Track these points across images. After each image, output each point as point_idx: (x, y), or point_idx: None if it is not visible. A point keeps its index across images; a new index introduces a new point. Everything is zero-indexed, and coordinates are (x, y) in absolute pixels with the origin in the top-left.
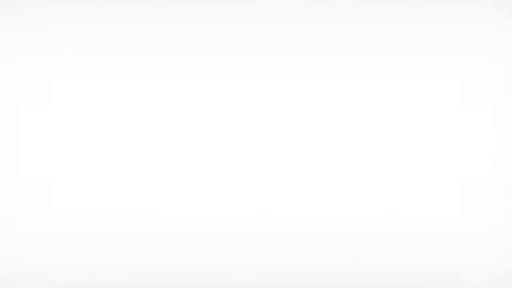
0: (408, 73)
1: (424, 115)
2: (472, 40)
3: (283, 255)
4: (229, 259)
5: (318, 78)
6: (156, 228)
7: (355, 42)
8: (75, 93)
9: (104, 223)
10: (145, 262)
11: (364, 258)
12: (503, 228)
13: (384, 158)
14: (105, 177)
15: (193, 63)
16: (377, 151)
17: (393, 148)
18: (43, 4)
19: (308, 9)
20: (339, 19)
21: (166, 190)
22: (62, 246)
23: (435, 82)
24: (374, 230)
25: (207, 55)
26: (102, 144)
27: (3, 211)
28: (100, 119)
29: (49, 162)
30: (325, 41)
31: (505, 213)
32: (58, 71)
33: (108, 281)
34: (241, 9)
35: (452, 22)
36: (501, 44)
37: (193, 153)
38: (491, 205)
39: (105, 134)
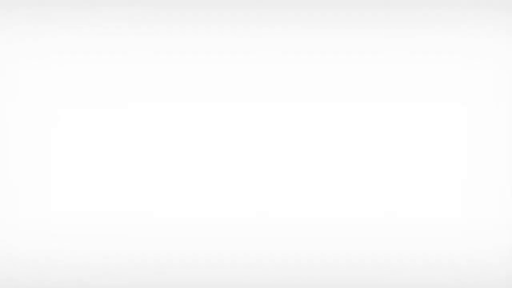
0: (409, 74)
1: (424, 117)
2: (472, 53)
3: (282, 254)
4: (229, 259)
5: (320, 104)
6: (156, 228)
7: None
8: (75, 94)
9: (104, 223)
10: (144, 260)
11: (365, 258)
12: (503, 228)
13: (384, 160)
14: (105, 177)
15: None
16: (377, 152)
17: (392, 149)
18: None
19: (301, 41)
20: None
21: (166, 190)
22: (61, 245)
23: (435, 84)
24: (374, 230)
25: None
26: (102, 144)
27: (3, 211)
28: (100, 120)
29: (49, 161)
30: (323, 66)
31: (505, 214)
32: (59, 74)
33: (108, 280)
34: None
35: (452, 34)
36: (500, 54)
37: (193, 155)
38: (491, 205)
39: (105, 134)
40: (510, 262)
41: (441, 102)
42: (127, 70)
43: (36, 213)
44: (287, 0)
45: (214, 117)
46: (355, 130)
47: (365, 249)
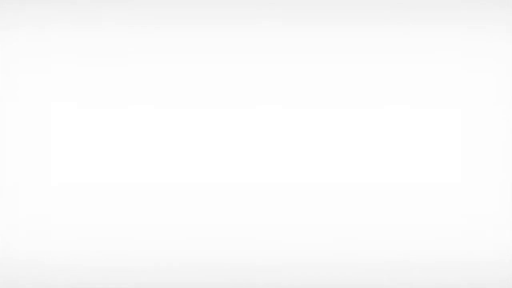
0: (408, 75)
1: (423, 118)
2: (473, 53)
3: (282, 252)
4: (229, 258)
5: (315, 109)
6: (156, 231)
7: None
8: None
9: (103, 223)
10: (145, 258)
11: (365, 257)
12: (503, 228)
13: (383, 167)
14: (105, 178)
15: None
16: (375, 156)
17: (391, 151)
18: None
19: (299, 47)
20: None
21: (165, 188)
22: (60, 246)
23: (435, 85)
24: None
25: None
26: (102, 144)
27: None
28: (100, 119)
29: (49, 161)
30: (321, 72)
31: (505, 215)
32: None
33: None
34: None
35: (452, 34)
36: (501, 59)
37: (192, 154)
38: (491, 206)
39: (105, 133)
40: (510, 262)
41: (441, 102)
42: (127, 70)
43: (35, 210)
44: (287, 0)
45: (213, 118)
46: (354, 132)
47: (366, 248)
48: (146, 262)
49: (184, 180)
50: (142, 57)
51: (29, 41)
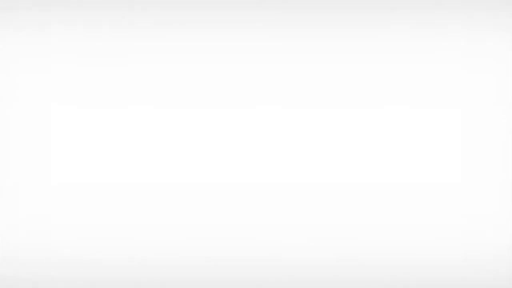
0: (408, 77)
1: (422, 118)
2: (473, 53)
3: (282, 252)
4: (229, 257)
5: (315, 110)
6: (156, 233)
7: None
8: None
9: (104, 223)
10: (145, 258)
11: (363, 256)
12: (503, 228)
13: (384, 171)
14: (105, 178)
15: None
16: (374, 159)
17: (391, 154)
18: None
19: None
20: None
21: (164, 186)
22: (61, 245)
23: (435, 86)
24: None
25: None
26: (102, 145)
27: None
28: (99, 119)
29: (49, 162)
30: (321, 72)
31: (505, 215)
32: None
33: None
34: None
35: (453, 34)
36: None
37: (192, 153)
38: (491, 206)
39: (104, 133)
40: (510, 261)
41: (441, 102)
42: (127, 70)
43: (35, 210)
44: (287, 1)
45: (213, 118)
46: (354, 132)
47: (364, 249)
48: (146, 262)
49: (184, 180)
50: (142, 58)
51: (29, 41)
